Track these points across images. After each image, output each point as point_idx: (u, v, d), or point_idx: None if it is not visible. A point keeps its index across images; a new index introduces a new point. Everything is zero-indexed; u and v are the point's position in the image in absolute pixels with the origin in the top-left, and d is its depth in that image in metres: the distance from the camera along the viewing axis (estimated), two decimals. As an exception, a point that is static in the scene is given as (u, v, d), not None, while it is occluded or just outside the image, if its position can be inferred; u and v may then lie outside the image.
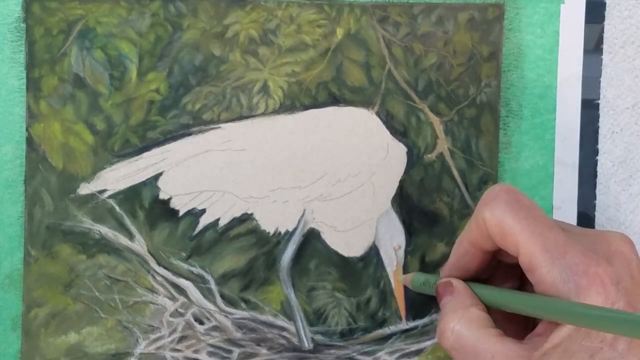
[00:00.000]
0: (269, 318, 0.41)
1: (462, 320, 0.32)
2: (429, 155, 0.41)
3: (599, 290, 0.29)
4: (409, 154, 0.41)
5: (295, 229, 0.41)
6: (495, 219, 0.32)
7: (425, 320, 0.42)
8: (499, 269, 0.36)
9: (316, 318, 0.42)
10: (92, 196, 0.41)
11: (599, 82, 0.42)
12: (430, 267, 0.42)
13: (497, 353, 0.31)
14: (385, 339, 0.42)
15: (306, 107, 0.41)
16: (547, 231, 0.31)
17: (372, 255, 0.41)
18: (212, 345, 0.41)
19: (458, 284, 0.35)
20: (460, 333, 0.32)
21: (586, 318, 0.28)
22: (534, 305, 0.31)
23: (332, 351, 0.41)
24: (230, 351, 0.41)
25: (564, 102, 0.41)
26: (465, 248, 0.35)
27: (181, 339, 0.41)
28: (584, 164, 0.42)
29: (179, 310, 0.41)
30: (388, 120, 0.41)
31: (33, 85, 0.41)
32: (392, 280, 0.41)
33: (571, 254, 0.30)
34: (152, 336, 0.41)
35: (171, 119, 0.41)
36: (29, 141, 0.41)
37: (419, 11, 0.41)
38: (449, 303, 0.34)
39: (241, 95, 0.41)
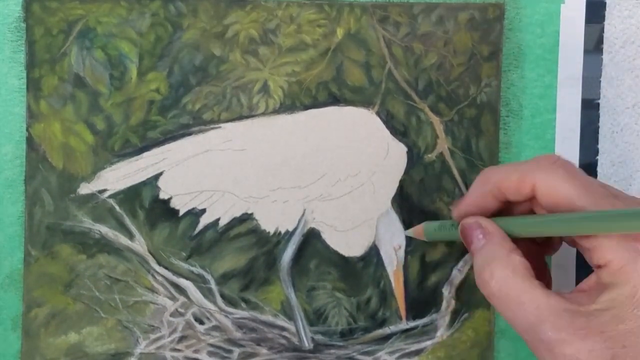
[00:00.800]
0: (269, 318, 0.41)
1: (507, 269, 0.32)
2: (429, 155, 0.41)
3: None
4: (409, 153, 0.41)
5: (295, 229, 0.41)
6: (549, 187, 0.32)
7: (426, 320, 0.42)
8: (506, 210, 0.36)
9: (316, 318, 0.42)
10: (92, 196, 0.41)
11: (599, 82, 0.42)
12: (430, 266, 0.42)
13: (542, 304, 0.30)
14: (386, 338, 0.42)
15: (306, 107, 0.41)
16: (605, 201, 0.31)
17: (372, 255, 0.41)
18: (212, 345, 0.41)
19: (488, 225, 0.34)
20: (506, 282, 0.32)
21: (631, 219, 0.28)
22: (583, 220, 0.31)
23: (332, 351, 0.41)
24: (230, 351, 0.41)
25: (564, 102, 0.41)
26: (491, 188, 0.34)
27: (181, 338, 0.41)
28: (584, 164, 0.42)
29: (179, 310, 0.41)
30: (388, 120, 0.41)
31: (33, 85, 0.41)
32: (392, 280, 0.41)
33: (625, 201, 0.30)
34: (152, 336, 0.41)
35: (171, 119, 0.41)
36: (29, 141, 0.41)
37: (419, 11, 0.41)
38: (484, 248, 0.33)
39: (241, 95, 0.41)
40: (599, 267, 0.31)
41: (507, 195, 0.34)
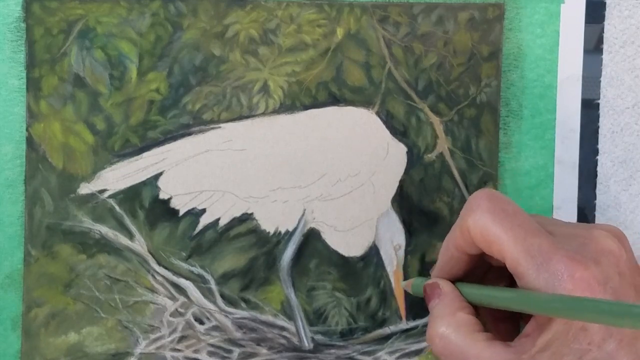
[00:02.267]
0: (269, 318, 0.41)
1: (450, 326, 0.32)
2: (429, 155, 0.41)
3: (585, 294, 0.29)
4: (409, 153, 0.41)
5: (295, 229, 0.41)
6: (479, 228, 0.32)
7: (425, 320, 0.42)
8: (491, 271, 0.36)
9: (316, 318, 0.42)
10: (92, 196, 0.41)
11: (599, 82, 0.42)
12: (430, 267, 0.42)
13: (485, 358, 0.31)
14: (386, 338, 0.42)
15: (306, 107, 0.41)
16: (531, 237, 0.31)
17: (372, 255, 0.41)
18: (212, 345, 0.41)
19: (445, 285, 0.35)
20: (449, 339, 0.32)
21: (571, 308, 0.28)
22: (519, 300, 0.31)
23: (332, 351, 0.41)
24: (230, 351, 0.41)
25: (564, 102, 0.41)
26: (451, 252, 0.35)
27: (181, 338, 0.41)
28: (584, 164, 0.42)
29: (179, 310, 0.41)
30: (388, 120, 0.41)
31: (33, 85, 0.41)
32: (392, 280, 0.41)
33: (556, 260, 0.30)
34: (152, 336, 0.41)
35: (171, 119, 0.41)
36: (29, 141, 0.41)
37: (419, 11, 0.41)
38: (436, 307, 0.34)
39: (241, 95, 0.41)
40: None
41: (466, 251, 0.34)
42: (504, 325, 0.35)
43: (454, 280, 0.35)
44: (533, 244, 0.31)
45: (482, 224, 0.32)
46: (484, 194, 0.33)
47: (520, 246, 0.31)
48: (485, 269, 0.36)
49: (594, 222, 0.42)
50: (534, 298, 0.30)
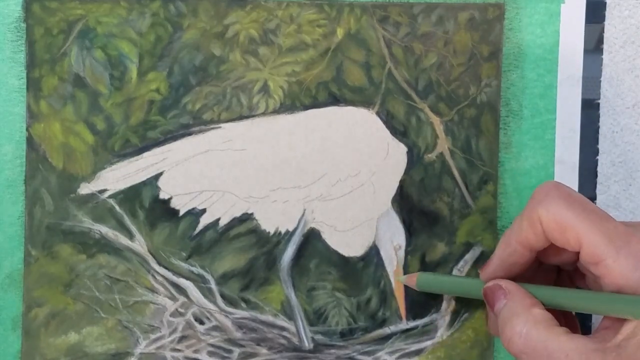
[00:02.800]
0: (269, 318, 0.41)
1: (528, 323, 0.32)
2: (429, 155, 0.41)
3: None
4: (409, 153, 0.41)
5: (295, 229, 0.41)
6: (553, 215, 0.32)
7: (426, 320, 0.42)
8: (538, 271, 0.36)
9: (316, 318, 0.42)
10: (92, 196, 0.41)
11: (599, 82, 0.42)
12: (430, 266, 0.42)
13: (571, 350, 0.30)
14: (386, 338, 0.42)
15: (306, 107, 0.41)
16: (606, 222, 0.31)
17: (373, 255, 0.41)
18: (212, 345, 0.41)
19: (509, 285, 0.35)
20: (530, 336, 0.32)
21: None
22: (601, 303, 0.31)
23: (333, 351, 0.41)
24: (230, 351, 0.41)
25: (564, 102, 0.41)
26: (513, 247, 0.34)
27: (181, 338, 0.41)
28: (584, 164, 0.42)
29: (179, 310, 0.41)
30: (388, 120, 0.41)
31: (33, 85, 0.41)
32: (392, 280, 0.41)
33: (635, 242, 0.30)
34: (153, 336, 0.41)
35: (171, 119, 0.41)
36: (29, 141, 0.41)
37: (419, 11, 0.41)
38: (506, 307, 0.34)
39: (241, 95, 0.41)
40: None
41: (531, 246, 0.34)
42: (564, 319, 0.35)
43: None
44: (609, 227, 0.31)
45: (555, 211, 0.32)
46: (550, 184, 0.33)
47: (598, 230, 0.31)
48: (531, 271, 0.36)
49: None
50: (616, 300, 0.30)
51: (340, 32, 0.41)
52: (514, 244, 0.34)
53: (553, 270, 0.38)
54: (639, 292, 0.30)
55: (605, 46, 0.42)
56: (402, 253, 0.41)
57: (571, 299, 0.33)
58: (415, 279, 0.40)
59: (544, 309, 0.33)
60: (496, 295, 0.35)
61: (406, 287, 0.41)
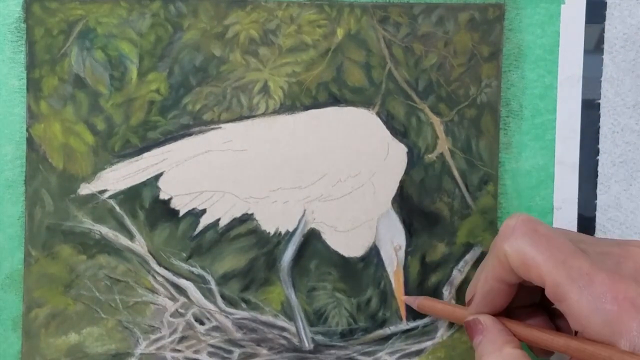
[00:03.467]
0: (270, 318, 0.41)
1: None
2: (430, 156, 0.41)
3: (632, 315, 0.29)
4: (410, 154, 0.41)
5: (295, 229, 0.41)
6: (516, 253, 0.32)
7: (426, 320, 0.42)
8: (521, 290, 0.36)
9: (316, 318, 0.42)
10: (92, 196, 0.41)
11: (600, 82, 0.42)
12: (430, 267, 0.42)
13: None
14: (386, 339, 0.42)
15: (306, 108, 0.41)
16: (571, 259, 0.31)
17: (373, 255, 0.41)
18: (212, 346, 0.41)
19: (487, 320, 0.35)
20: None
21: None
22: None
23: (333, 351, 0.41)
24: (230, 351, 0.41)
25: (565, 102, 0.41)
26: (490, 285, 0.34)
27: (182, 339, 0.41)
28: (585, 164, 0.42)
29: (180, 310, 0.41)
30: (388, 120, 0.41)
31: (33, 86, 0.41)
32: (392, 281, 0.41)
33: (598, 281, 0.30)
34: (153, 336, 0.41)
35: (171, 119, 0.41)
36: (30, 141, 0.41)
37: (419, 11, 0.41)
38: (481, 344, 0.34)
39: (241, 96, 0.41)
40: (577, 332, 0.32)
41: (506, 281, 0.34)
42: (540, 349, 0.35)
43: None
44: (573, 266, 0.31)
45: (519, 248, 0.32)
46: (517, 219, 0.33)
47: (562, 270, 0.31)
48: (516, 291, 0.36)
49: (594, 223, 0.42)
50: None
51: (340, 33, 0.41)
52: (490, 281, 0.34)
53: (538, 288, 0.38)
54: (601, 335, 0.30)
55: (605, 46, 0.42)
56: (402, 253, 0.41)
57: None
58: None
59: (518, 346, 0.33)
60: (475, 330, 0.35)
61: (406, 288, 0.41)
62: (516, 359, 0.32)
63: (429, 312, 0.41)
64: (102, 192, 0.41)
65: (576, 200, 0.42)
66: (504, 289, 0.34)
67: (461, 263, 0.42)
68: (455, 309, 0.39)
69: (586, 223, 0.42)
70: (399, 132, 0.41)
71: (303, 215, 0.41)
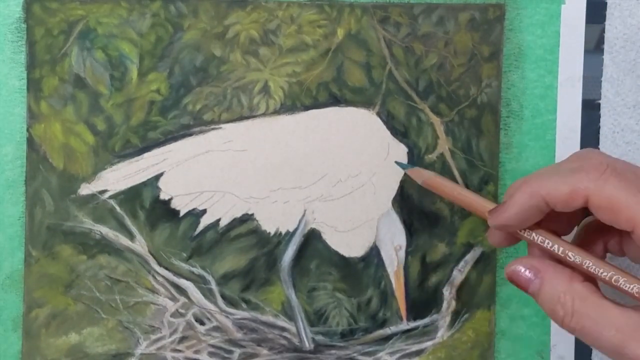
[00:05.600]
0: (270, 318, 0.41)
1: (575, 303, 0.32)
2: (430, 156, 0.41)
3: None
4: (410, 154, 0.41)
5: (296, 230, 0.41)
6: (607, 196, 0.31)
7: (426, 320, 0.42)
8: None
9: (317, 318, 0.42)
10: (92, 196, 0.41)
11: (600, 82, 0.42)
12: (431, 267, 0.42)
13: (622, 324, 0.30)
14: (386, 339, 0.42)
15: (307, 108, 0.41)
16: None
17: (373, 255, 0.41)
18: (212, 346, 0.41)
19: (536, 263, 0.34)
20: (580, 315, 0.31)
21: None
22: None
23: (333, 351, 0.41)
24: (231, 351, 0.41)
25: (565, 102, 0.41)
26: (537, 201, 0.33)
27: (182, 339, 0.41)
28: (585, 164, 0.42)
29: (180, 310, 0.41)
30: (389, 120, 0.41)
31: (34, 86, 0.41)
32: (392, 281, 0.41)
33: None
34: (153, 336, 0.41)
35: (172, 120, 0.41)
36: (30, 141, 0.41)
37: (420, 11, 0.41)
38: (543, 289, 0.33)
39: (242, 96, 0.41)
40: None
41: (555, 207, 0.33)
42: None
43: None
44: None
45: (610, 192, 0.31)
46: (605, 165, 0.32)
47: None
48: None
49: (594, 223, 0.42)
50: None
51: (340, 33, 0.41)
52: (537, 198, 0.33)
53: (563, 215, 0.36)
54: None
55: (605, 46, 0.42)
56: (402, 253, 0.41)
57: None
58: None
59: (582, 279, 0.32)
60: (522, 277, 0.34)
61: (406, 288, 0.41)
62: (592, 293, 0.32)
63: (436, 190, 0.38)
64: (103, 192, 0.41)
65: (576, 201, 0.41)
66: (545, 210, 0.33)
67: (461, 263, 0.42)
68: (471, 196, 0.37)
69: (586, 223, 0.42)
70: (400, 132, 0.41)
71: (303, 216, 0.41)
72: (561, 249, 0.34)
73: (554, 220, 0.35)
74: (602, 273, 0.32)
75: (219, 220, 0.41)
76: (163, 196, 0.41)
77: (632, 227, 0.31)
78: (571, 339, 0.41)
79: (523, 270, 0.34)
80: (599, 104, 0.42)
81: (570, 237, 0.37)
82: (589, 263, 0.33)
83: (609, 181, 0.31)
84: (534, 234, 0.34)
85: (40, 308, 0.41)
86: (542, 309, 0.33)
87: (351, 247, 0.41)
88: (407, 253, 0.41)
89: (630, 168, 0.32)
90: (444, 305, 0.42)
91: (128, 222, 0.41)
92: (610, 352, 0.31)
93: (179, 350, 0.41)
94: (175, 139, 0.41)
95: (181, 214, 0.41)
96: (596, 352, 0.42)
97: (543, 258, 0.34)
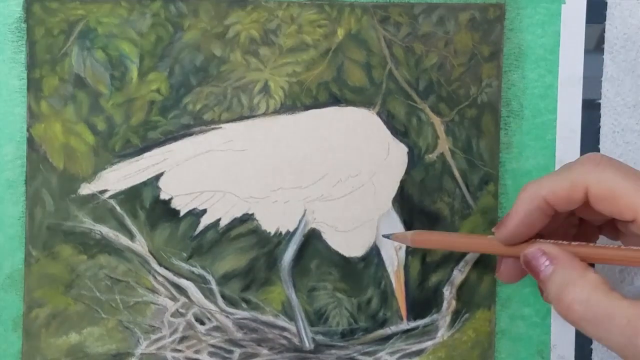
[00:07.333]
0: (270, 318, 0.41)
1: (586, 290, 0.31)
2: (430, 156, 0.41)
3: None
4: (410, 154, 0.41)
5: (296, 229, 0.41)
6: (607, 185, 0.31)
7: (426, 320, 0.42)
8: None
9: (317, 318, 0.42)
10: (93, 196, 0.41)
11: (600, 82, 0.42)
12: (431, 267, 0.42)
13: (633, 316, 0.30)
14: (386, 339, 0.42)
15: (307, 107, 0.41)
16: None
17: (373, 255, 0.41)
18: (213, 346, 0.41)
19: (552, 249, 0.33)
20: (590, 303, 0.31)
21: None
22: None
23: (333, 351, 0.41)
24: (231, 351, 0.41)
25: (565, 102, 0.41)
26: (538, 202, 0.33)
27: (182, 339, 0.41)
28: (585, 164, 0.42)
29: (180, 310, 0.41)
30: (389, 120, 0.41)
31: (34, 86, 0.41)
32: (393, 281, 0.41)
33: None
34: (153, 336, 0.41)
35: (172, 119, 0.41)
36: (30, 141, 0.41)
37: (420, 11, 0.41)
38: (555, 275, 0.33)
39: (242, 96, 0.41)
40: None
41: (556, 207, 0.33)
42: None
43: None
44: None
45: (610, 181, 0.31)
46: (598, 155, 0.32)
47: None
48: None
49: (595, 223, 0.42)
50: None
51: (340, 33, 0.41)
52: (540, 201, 0.33)
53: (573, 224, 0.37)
54: None
55: (606, 46, 0.42)
56: (402, 253, 0.41)
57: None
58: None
59: (596, 271, 0.32)
60: (540, 262, 0.33)
61: (406, 288, 0.41)
62: (604, 284, 0.31)
63: (427, 246, 0.39)
64: (103, 192, 0.41)
65: (577, 200, 0.41)
66: (550, 212, 0.33)
67: (461, 263, 0.42)
68: (463, 237, 0.37)
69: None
70: (400, 132, 0.41)
71: (303, 215, 0.41)
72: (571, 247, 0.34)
73: (553, 236, 0.36)
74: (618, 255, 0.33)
75: (219, 220, 0.41)
76: (163, 196, 0.41)
77: (633, 216, 0.31)
78: (571, 339, 0.41)
79: (540, 254, 0.34)
80: (599, 104, 0.42)
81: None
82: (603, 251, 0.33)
83: (606, 170, 0.32)
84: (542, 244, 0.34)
85: (40, 308, 0.41)
86: (548, 297, 0.33)
87: (351, 247, 0.41)
88: (407, 253, 0.41)
89: (627, 166, 0.33)
90: (444, 305, 0.42)
91: (128, 222, 0.41)
92: (621, 342, 0.30)
93: (179, 350, 0.41)
94: (175, 138, 0.41)
95: (181, 213, 0.41)
96: (596, 352, 0.42)
97: (560, 248, 0.34)
